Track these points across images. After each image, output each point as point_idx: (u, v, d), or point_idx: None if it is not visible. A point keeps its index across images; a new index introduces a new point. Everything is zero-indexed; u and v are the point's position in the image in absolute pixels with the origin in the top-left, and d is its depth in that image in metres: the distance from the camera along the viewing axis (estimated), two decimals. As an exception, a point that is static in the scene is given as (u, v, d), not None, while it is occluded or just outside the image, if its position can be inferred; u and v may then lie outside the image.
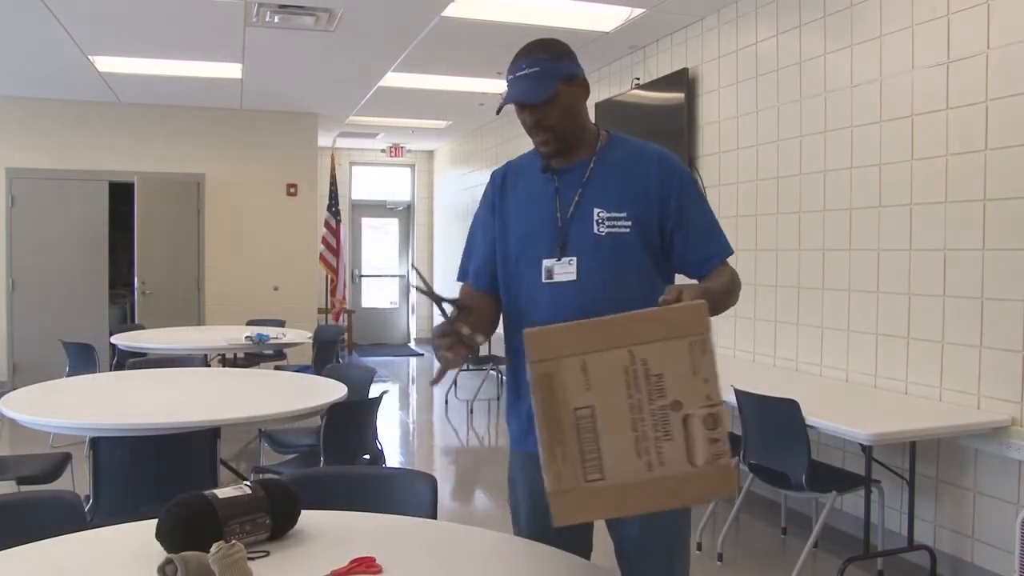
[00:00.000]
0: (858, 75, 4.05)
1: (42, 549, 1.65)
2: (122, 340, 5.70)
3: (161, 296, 8.27)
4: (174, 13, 5.35)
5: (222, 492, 1.67)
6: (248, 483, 1.74)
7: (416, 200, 12.51)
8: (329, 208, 10.08)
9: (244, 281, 8.73)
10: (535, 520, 1.92)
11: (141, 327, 6.93)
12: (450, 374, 8.68)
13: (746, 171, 4.93)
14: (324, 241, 9.85)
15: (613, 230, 1.82)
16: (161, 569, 1.46)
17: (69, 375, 5.31)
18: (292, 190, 9.01)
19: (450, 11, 5.20)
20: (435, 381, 1.79)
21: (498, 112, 1.94)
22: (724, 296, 1.79)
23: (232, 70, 6.94)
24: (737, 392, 3.48)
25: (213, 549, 1.45)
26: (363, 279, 12.43)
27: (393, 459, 5.74)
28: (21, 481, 3.43)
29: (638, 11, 5.21)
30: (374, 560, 1.56)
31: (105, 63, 6.73)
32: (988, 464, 3.42)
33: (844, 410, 3.54)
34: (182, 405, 3.39)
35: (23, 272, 8.15)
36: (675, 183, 1.86)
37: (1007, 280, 3.30)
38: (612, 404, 1.34)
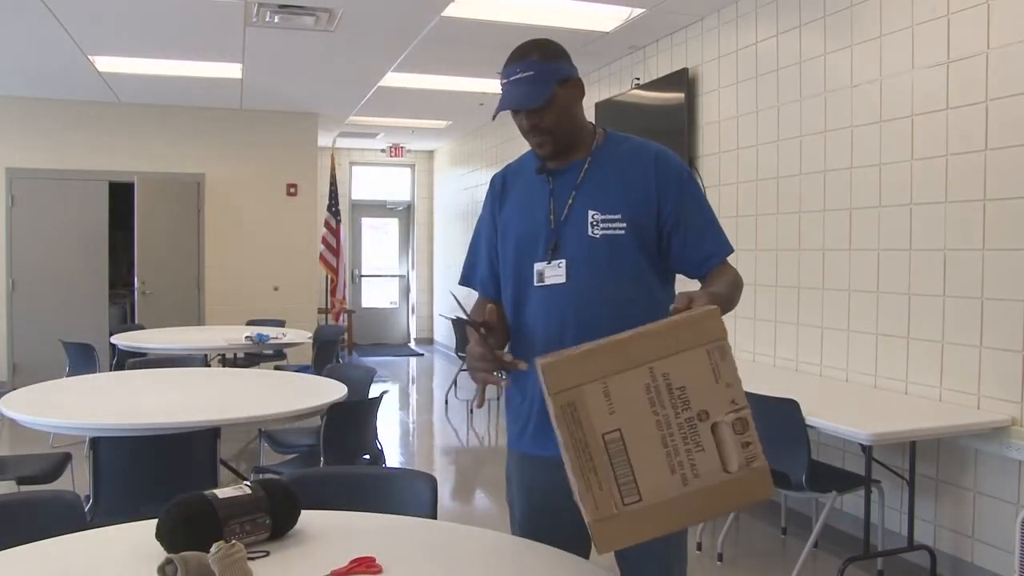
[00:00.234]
0: (858, 75, 4.05)
1: (42, 549, 1.65)
2: (122, 340, 5.70)
3: (161, 296, 8.27)
4: (174, 13, 5.35)
5: (222, 492, 1.67)
6: (248, 483, 1.73)
7: (416, 200, 12.51)
8: (329, 208, 10.08)
9: (244, 281, 8.73)
10: (531, 519, 1.92)
11: (141, 327, 6.93)
12: (450, 374, 8.68)
13: (746, 171, 4.93)
14: (324, 241, 9.85)
15: (608, 232, 1.81)
16: (161, 569, 1.46)
17: (69, 375, 5.31)
18: (292, 190, 9.02)
19: (450, 11, 5.20)
20: (479, 405, 1.77)
21: (493, 118, 1.93)
22: (728, 298, 1.77)
23: (232, 70, 6.94)
24: (737, 392, 3.48)
25: (213, 549, 1.45)
26: (363, 279, 12.43)
27: (393, 459, 5.74)
28: (21, 481, 3.43)
29: (638, 11, 5.20)
30: (374, 560, 1.56)
31: (105, 63, 6.73)
32: (988, 464, 3.42)
33: (844, 410, 3.54)
34: (182, 405, 3.39)
35: (23, 272, 8.15)
36: (672, 182, 1.84)
37: (1007, 280, 3.30)
38: (639, 424, 1.32)
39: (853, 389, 4.02)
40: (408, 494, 2.12)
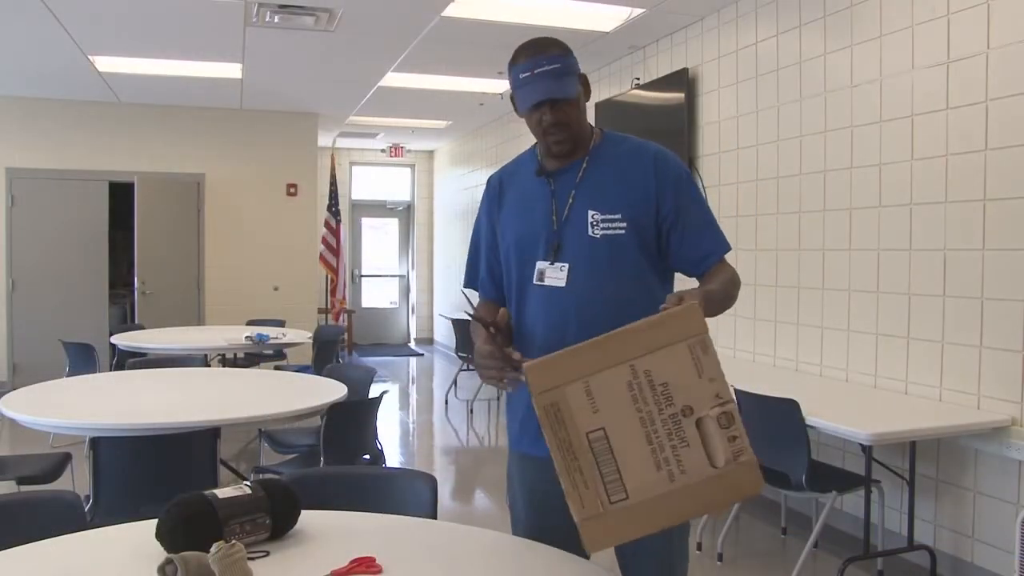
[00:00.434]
0: (858, 75, 4.05)
1: (42, 549, 1.65)
2: (122, 340, 5.70)
3: (161, 296, 8.28)
4: (174, 13, 5.35)
5: (222, 492, 1.67)
6: (248, 483, 1.73)
7: (416, 200, 12.51)
8: (329, 208, 10.08)
9: (244, 281, 8.73)
10: (532, 519, 1.92)
11: (141, 327, 6.93)
12: (450, 374, 8.68)
13: (746, 171, 4.93)
14: (324, 241, 9.85)
15: (608, 232, 1.81)
16: (161, 569, 1.46)
17: (69, 375, 5.31)
18: (292, 190, 9.02)
19: (450, 11, 5.20)
20: (513, 388, 1.71)
21: (521, 112, 1.87)
22: (724, 297, 1.78)
23: (232, 70, 6.94)
24: (737, 392, 3.48)
25: (213, 549, 1.45)
26: (363, 279, 12.43)
27: (393, 459, 5.74)
28: (21, 481, 3.43)
29: (638, 11, 5.21)
30: (374, 560, 1.56)
31: (105, 63, 6.73)
32: (988, 464, 3.42)
33: (844, 410, 3.54)
34: (182, 405, 3.39)
35: (23, 272, 8.15)
36: (671, 182, 1.84)
37: (1007, 280, 3.30)
38: (622, 422, 1.32)
39: (853, 389, 4.02)
40: (408, 494, 2.12)
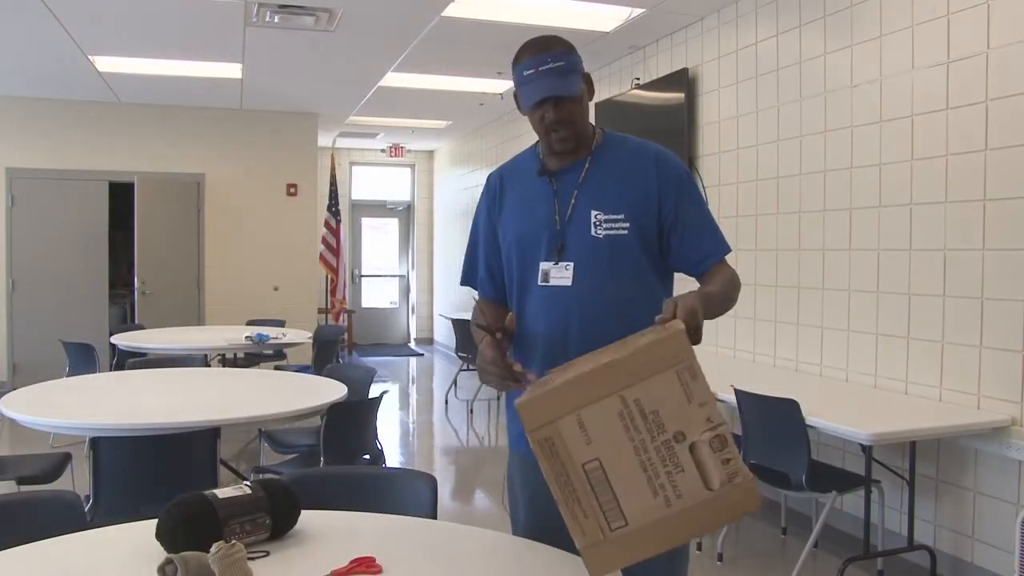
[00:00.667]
0: (858, 75, 4.05)
1: (42, 549, 1.65)
2: (122, 340, 5.70)
3: (161, 296, 8.28)
4: (174, 13, 5.35)
5: (222, 492, 1.67)
6: (248, 483, 1.74)
7: (416, 200, 12.51)
8: (329, 208, 10.08)
9: (244, 281, 8.73)
10: (532, 519, 1.92)
11: (141, 327, 6.93)
12: (450, 374, 8.68)
13: (746, 171, 4.93)
14: (324, 241, 9.85)
15: (611, 232, 1.81)
16: (161, 569, 1.46)
17: (69, 375, 5.31)
18: (292, 190, 9.02)
19: (450, 11, 5.20)
20: (529, 381, 1.69)
21: (524, 110, 1.86)
22: (724, 299, 1.78)
23: (232, 70, 6.94)
24: (737, 392, 3.48)
25: (213, 549, 1.45)
26: (363, 279, 12.43)
27: (393, 459, 5.74)
28: (21, 481, 3.43)
29: (638, 11, 5.21)
30: (374, 560, 1.56)
31: (105, 63, 6.73)
32: (988, 464, 3.42)
33: (844, 410, 3.54)
34: (182, 405, 3.38)
35: (23, 272, 8.15)
36: (672, 182, 1.85)
37: (1007, 280, 3.30)
38: (616, 451, 1.34)
39: (853, 389, 4.02)
40: (408, 494, 2.12)
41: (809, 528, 3.76)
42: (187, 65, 6.80)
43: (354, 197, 12.14)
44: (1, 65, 6.78)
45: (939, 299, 3.61)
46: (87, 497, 2.74)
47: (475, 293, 2.08)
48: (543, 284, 1.84)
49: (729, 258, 1.89)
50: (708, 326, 1.49)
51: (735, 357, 5.01)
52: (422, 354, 11.48)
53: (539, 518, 1.91)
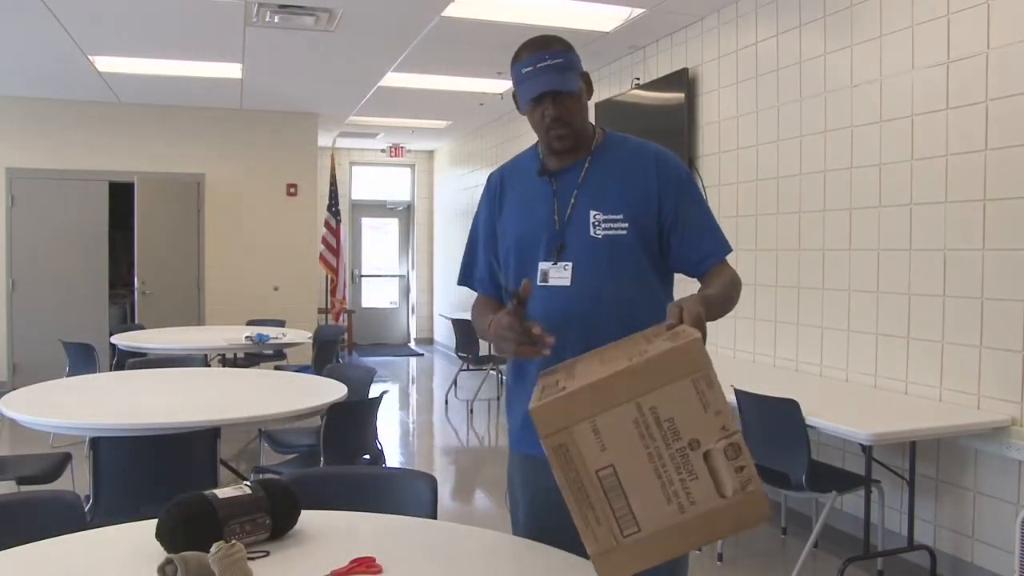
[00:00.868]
0: (858, 75, 4.05)
1: (42, 549, 1.65)
2: (122, 340, 5.70)
3: (161, 296, 8.28)
4: (174, 13, 5.35)
5: (222, 492, 1.67)
6: (248, 483, 1.74)
7: (416, 200, 12.51)
8: (329, 208, 10.08)
9: (244, 281, 8.73)
10: (533, 519, 1.92)
11: (141, 327, 6.93)
12: (450, 374, 8.68)
13: (746, 171, 4.93)
14: (324, 241, 9.85)
15: (610, 232, 1.81)
16: (161, 569, 1.46)
17: (69, 375, 5.31)
18: (292, 190, 9.02)
19: (450, 11, 5.20)
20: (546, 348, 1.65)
21: (523, 108, 1.86)
22: (724, 300, 1.77)
23: (232, 70, 6.94)
24: (737, 392, 3.48)
25: (213, 549, 1.45)
26: (363, 279, 12.43)
27: (393, 459, 5.74)
28: (21, 481, 3.43)
29: (638, 11, 5.21)
30: (374, 560, 1.56)
31: (105, 63, 6.73)
32: (988, 464, 3.42)
33: (844, 410, 3.54)
34: (182, 405, 3.38)
35: (23, 272, 8.15)
36: (672, 182, 1.85)
37: (1007, 280, 3.30)
38: (631, 458, 1.34)
39: (853, 389, 4.02)
40: (408, 494, 2.12)
41: (809, 528, 3.76)
42: (187, 65, 6.80)
43: (354, 197, 12.14)
44: (1, 65, 6.79)
45: (939, 299, 3.61)
46: (87, 497, 2.74)
47: (474, 294, 2.07)
48: (542, 284, 1.84)
49: (729, 258, 1.89)
50: (708, 326, 1.49)
51: (735, 357, 5.01)
52: (422, 354, 11.48)
53: (539, 518, 1.91)
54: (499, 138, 9.25)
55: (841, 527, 4.06)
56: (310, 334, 6.50)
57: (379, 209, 12.45)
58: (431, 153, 12.41)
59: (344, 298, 10.21)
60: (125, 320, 8.89)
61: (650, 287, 1.84)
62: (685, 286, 1.74)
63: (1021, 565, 2.58)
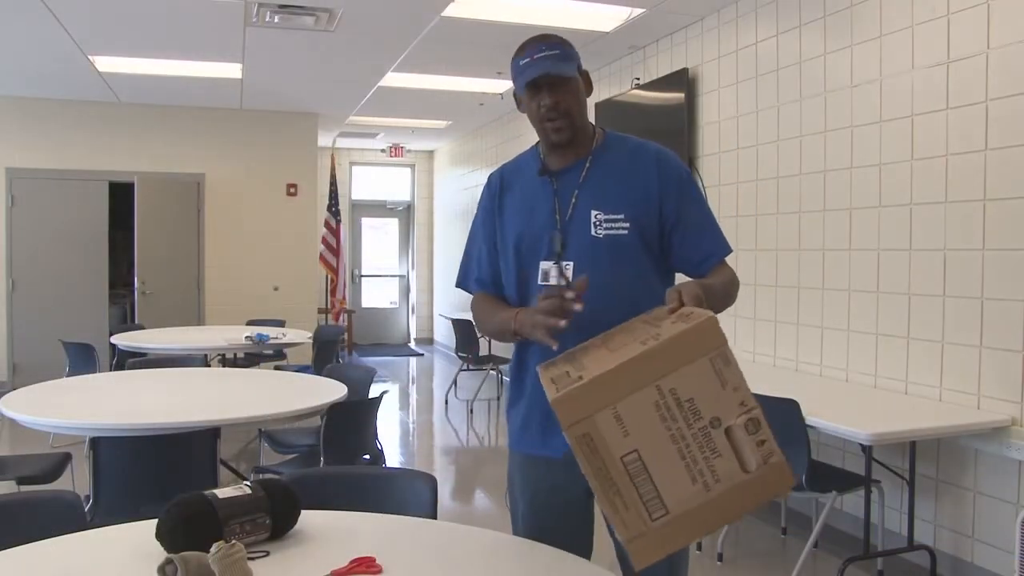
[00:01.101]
0: (858, 75, 4.05)
1: (42, 549, 1.65)
2: (122, 340, 5.70)
3: (161, 296, 8.28)
4: (174, 13, 5.35)
5: (222, 492, 1.67)
6: (248, 483, 1.74)
7: (416, 200, 12.51)
8: (329, 208, 10.08)
9: (244, 281, 8.73)
10: (533, 519, 1.92)
11: (141, 327, 6.93)
12: (450, 374, 8.68)
13: (746, 171, 4.93)
14: (324, 241, 9.85)
15: (611, 232, 1.82)
16: (161, 569, 1.46)
17: (69, 375, 5.31)
18: (292, 190, 9.02)
19: (450, 11, 5.20)
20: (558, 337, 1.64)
21: (521, 100, 1.88)
22: (723, 295, 1.78)
23: (232, 70, 6.94)
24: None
25: (213, 549, 1.45)
26: (363, 279, 12.43)
27: (393, 459, 5.74)
28: (21, 481, 3.43)
29: (638, 11, 5.21)
30: (374, 560, 1.56)
31: (105, 63, 6.73)
32: (988, 464, 3.42)
33: (844, 410, 3.53)
34: (182, 405, 3.39)
35: (23, 272, 8.15)
36: (673, 182, 1.85)
37: (1007, 280, 3.30)
38: (654, 442, 1.35)
39: (853, 389, 4.02)
40: (408, 494, 2.12)
41: (809, 528, 3.76)
42: (187, 65, 6.80)
43: (354, 197, 12.14)
44: (1, 65, 6.78)
45: (939, 299, 3.61)
46: (87, 497, 2.74)
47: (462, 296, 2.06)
48: (543, 283, 1.84)
49: (729, 258, 1.90)
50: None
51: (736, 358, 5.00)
52: (422, 354, 11.48)
53: (539, 518, 1.91)
54: (499, 138, 9.25)
55: (841, 527, 4.06)
56: (310, 334, 6.50)
57: (379, 209, 12.45)
58: (431, 153, 12.41)
59: (344, 298, 10.21)
60: (125, 320, 8.89)
61: (651, 286, 1.84)
62: (685, 286, 1.74)
63: (1021, 565, 2.58)
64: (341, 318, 10.19)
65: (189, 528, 1.57)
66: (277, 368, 6.56)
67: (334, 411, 3.38)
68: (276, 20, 5.32)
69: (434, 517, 2.05)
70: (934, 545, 3.61)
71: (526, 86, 1.81)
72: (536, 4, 5.17)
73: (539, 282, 1.85)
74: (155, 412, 3.16)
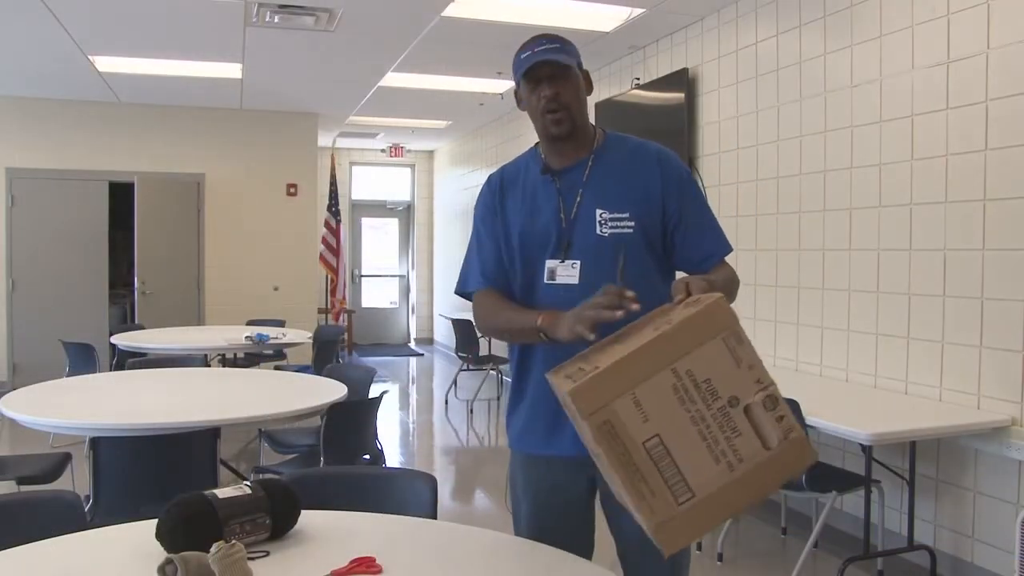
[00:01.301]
0: (858, 75, 4.05)
1: (42, 549, 1.65)
2: (122, 340, 5.70)
3: (161, 296, 8.27)
4: (174, 13, 5.35)
5: (222, 492, 1.67)
6: (248, 483, 1.74)
7: (416, 200, 12.51)
8: (329, 208, 10.08)
9: (244, 281, 8.73)
10: (535, 520, 1.92)
11: (141, 327, 6.93)
12: (450, 374, 8.68)
13: (746, 171, 4.93)
14: (324, 241, 9.85)
15: (616, 231, 1.82)
16: (161, 569, 1.46)
17: (69, 375, 5.31)
18: (292, 190, 9.02)
19: (450, 11, 5.20)
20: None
21: (521, 94, 1.89)
22: (725, 290, 1.78)
23: (232, 70, 6.94)
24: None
25: (213, 549, 1.45)
26: (363, 279, 12.43)
27: (393, 459, 5.74)
28: (21, 481, 3.43)
29: (638, 11, 5.21)
30: (374, 560, 1.56)
31: (105, 63, 6.73)
32: (988, 464, 3.42)
33: (844, 410, 3.54)
34: (182, 405, 3.39)
35: (23, 272, 8.15)
36: (675, 181, 1.86)
37: (1007, 280, 3.30)
38: (675, 425, 1.35)
39: (853, 389, 4.02)
40: (408, 494, 2.12)
41: (809, 528, 3.76)
42: (187, 65, 6.80)
43: (354, 197, 12.14)
44: (1, 65, 6.78)
45: (939, 299, 3.61)
46: (87, 497, 2.74)
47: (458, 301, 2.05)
48: (549, 282, 1.85)
49: (729, 258, 1.91)
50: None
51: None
52: (422, 354, 11.48)
53: (541, 518, 1.91)
54: (499, 138, 9.25)
55: (841, 527, 4.06)
56: (310, 334, 6.50)
57: (379, 209, 12.45)
58: (431, 153, 12.41)
59: (344, 298, 10.21)
60: (125, 320, 8.89)
61: (654, 285, 1.85)
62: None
63: (1021, 565, 2.58)
64: (341, 318, 10.19)
65: (189, 528, 1.57)
66: (277, 368, 6.56)
67: (334, 411, 3.38)
68: (276, 20, 5.32)
69: (434, 517, 2.05)
70: (934, 545, 3.61)
71: (527, 75, 1.83)
72: (536, 4, 5.17)
73: (545, 281, 1.85)
74: (155, 412, 3.16)
